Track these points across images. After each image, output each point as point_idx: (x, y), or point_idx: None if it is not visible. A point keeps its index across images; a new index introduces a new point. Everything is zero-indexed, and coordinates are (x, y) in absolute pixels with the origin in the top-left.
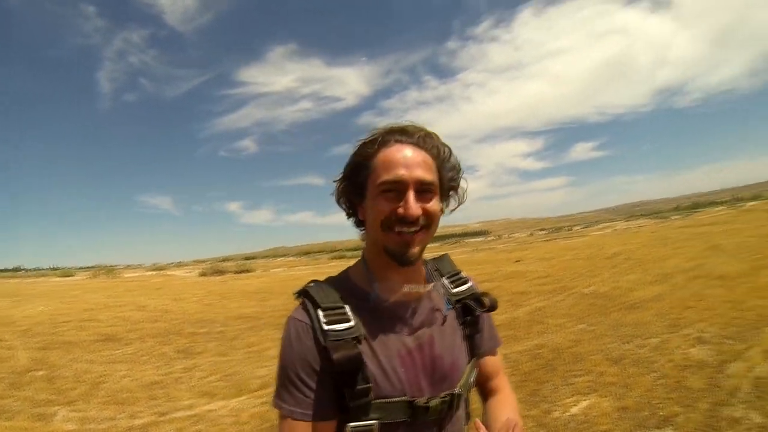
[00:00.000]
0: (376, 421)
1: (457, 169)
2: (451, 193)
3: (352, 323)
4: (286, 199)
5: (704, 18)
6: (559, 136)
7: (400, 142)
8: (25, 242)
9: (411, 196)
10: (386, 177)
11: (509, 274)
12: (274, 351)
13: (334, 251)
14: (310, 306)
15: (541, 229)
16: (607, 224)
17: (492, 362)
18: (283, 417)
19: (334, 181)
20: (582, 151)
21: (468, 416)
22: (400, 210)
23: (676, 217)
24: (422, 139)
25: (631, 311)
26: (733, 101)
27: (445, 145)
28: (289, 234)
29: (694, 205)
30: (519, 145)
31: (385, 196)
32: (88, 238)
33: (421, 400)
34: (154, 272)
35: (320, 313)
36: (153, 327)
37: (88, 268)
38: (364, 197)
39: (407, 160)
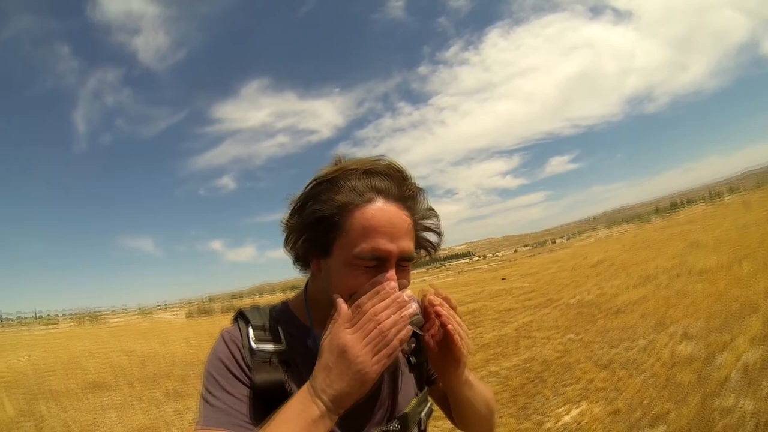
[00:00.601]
0: None
1: (436, 231)
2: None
3: (282, 346)
4: (268, 235)
5: (664, 26)
6: (535, 152)
7: (383, 196)
8: (4, 288)
9: (393, 275)
10: (366, 249)
11: (495, 293)
12: None
13: None
14: (241, 323)
15: (525, 245)
16: (590, 234)
17: None
18: (198, 423)
19: (284, 221)
20: (558, 164)
21: None
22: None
23: (657, 219)
24: (410, 198)
25: (617, 316)
26: (700, 102)
27: (429, 205)
28: (274, 270)
29: (673, 205)
30: (496, 164)
31: (360, 269)
32: (70, 283)
33: None
34: (139, 315)
35: (250, 330)
36: (141, 372)
37: (71, 313)
38: (327, 255)
39: (393, 228)
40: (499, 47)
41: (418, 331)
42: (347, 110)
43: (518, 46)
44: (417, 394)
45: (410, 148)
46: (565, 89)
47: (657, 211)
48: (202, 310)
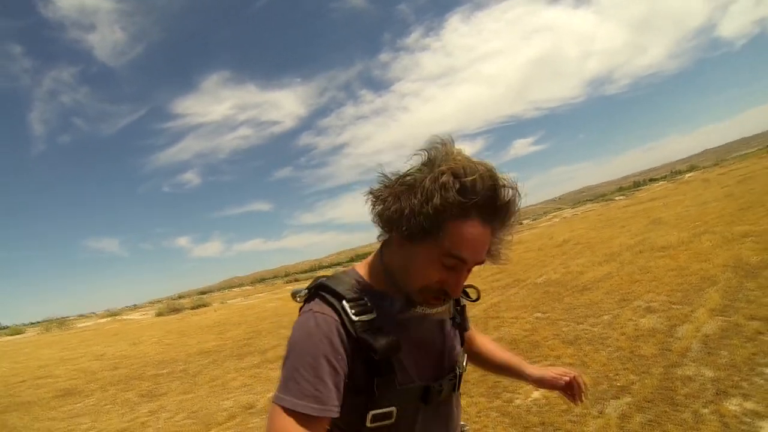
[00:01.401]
0: (394, 408)
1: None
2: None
3: (374, 315)
4: (234, 228)
5: (622, 9)
6: (498, 135)
7: (482, 221)
8: None
9: (462, 279)
10: (454, 252)
11: None
12: (239, 381)
13: (288, 275)
14: (332, 298)
15: None
16: (555, 213)
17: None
18: (286, 410)
19: (375, 194)
20: (521, 146)
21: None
22: (448, 288)
23: (620, 197)
24: (501, 224)
25: (582, 293)
26: (659, 83)
27: (515, 219)
28: (242, 263)
29: (635, 184)
30: (460, 148)
31: (441, 266)
32: (34, 291)
33: (435, 385)
34: (108, 318)
35: (345, 304)
36: (113, 374)
37: (38, 322)
38: (414, 241)
39: (476, 244)
40: (460, 32)
41: (461, 296)
42: (309, 100)
43: (479, 31)
44: (462, 348)
45: (373, 135)
46: (527, 73)
47: (620, 189)
48: (172, 308)
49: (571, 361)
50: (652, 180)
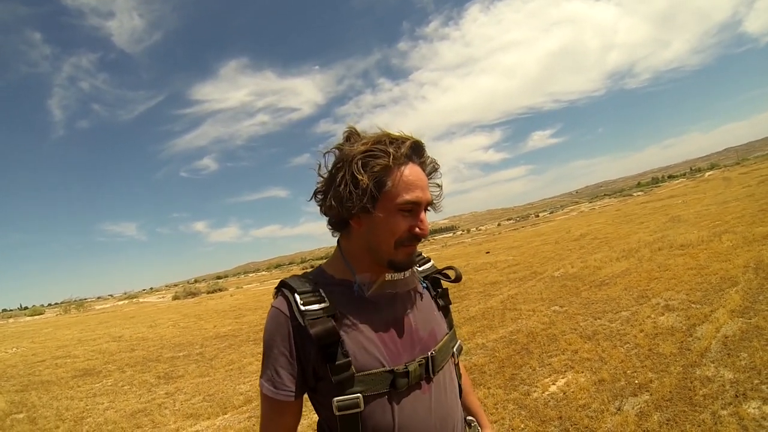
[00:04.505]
0: (359, 394)
1: (440, 186)
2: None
3: (327, 303)
4: (251, 214)
5: (645, 1)
6: (516, 126)
7: (414, 162)
8: None
9: (425, 217)
10: (408, 198)
11: (480, 266)
12: (256, 365)
13: (305, 261)
14: (287, 292)
15: (508, 219)
16: (572, 207)
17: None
18: (262, 395)
19: (317, 189)
20: (539, 139)
21: (460, 388)
22: (417, 229)
23: (639, 193)
24: (431, 165)
25: (600, 288)
26: (681, 78)
27: (435, 163)
28: (258, 249)
29: (655, 180)
30: (477, 138)
31: (402, 214)
32: (54, 273)
33: (399, 367)
34: (126, 301)
35: (297, 297)
36: (131, 356)
37: (57, 304)
38: (370, 212)
39: (423, 183)
40: (480, 22)
41: (440, 277)
42: (327, 87)
43: (499, 21)
44: (447, 333)
45: (391, 124)
46: (546, 64)
47: (639, 185)
48: (188, 291)
49: (589, 356)
50: (671, 177)
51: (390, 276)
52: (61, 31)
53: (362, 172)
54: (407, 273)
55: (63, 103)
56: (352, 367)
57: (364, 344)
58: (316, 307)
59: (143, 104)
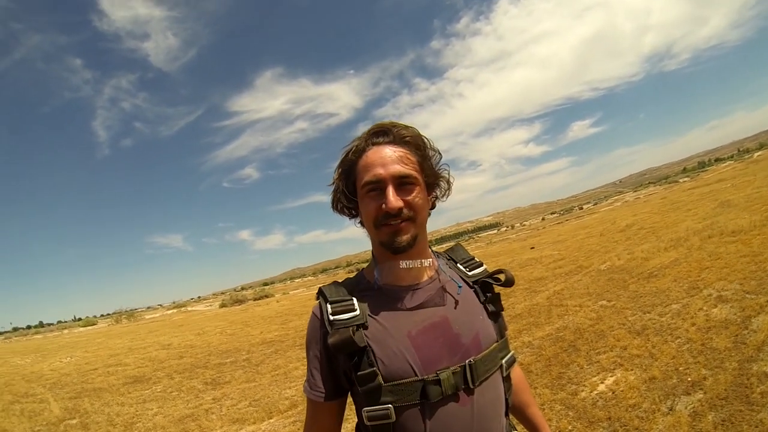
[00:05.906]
0: (390, 405)
1: (437, 158)
2: (439, 182)
3: (356, 312)
4: (295, 220)
5: None
6: (555, 118)
7: (377, 144)
8: (44, 297)
9: (390, 191)
10: (367, 178)
11: (525, 262)
12: (301, 370)
13: (350, 265)
14: (322, 301)
15: (552, 212)
16: (617, 197)
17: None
18: (307, 397)
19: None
20: (579, 129)
21: (507, 403)
22: (383, 206)
23: (685, 179)
24: (398, 135)
25: (649, 280)
26: (722, 56)
27: (422, 137)
28: (303, 254)
29: (701, 164)
30: (517, 133)
31: (370, 195)
32: (105, 286)
33: (430, 375)
34: (174, 310)
35: (328, 306)
36: (179, 363)
37: (109, 314)
38: (355, 204)
39: (384, 159)
40: (511, 14)
41: (490, 281)
42: (364, 91)
43: (530, 12)
44: (496, 342)
45: (430, 123)
46: (581, 52)
47: (684, 171)
48: (235, 299)
49: (639, 352)
50: (718, 160)
51: (405, 264)
52: (100, 55)
53: (338, 170)
54: (425, 262)
55: (106, 124)
56: (379, 377)
57: (395, 350)
58: (345, 316)
59: (183, 119)
